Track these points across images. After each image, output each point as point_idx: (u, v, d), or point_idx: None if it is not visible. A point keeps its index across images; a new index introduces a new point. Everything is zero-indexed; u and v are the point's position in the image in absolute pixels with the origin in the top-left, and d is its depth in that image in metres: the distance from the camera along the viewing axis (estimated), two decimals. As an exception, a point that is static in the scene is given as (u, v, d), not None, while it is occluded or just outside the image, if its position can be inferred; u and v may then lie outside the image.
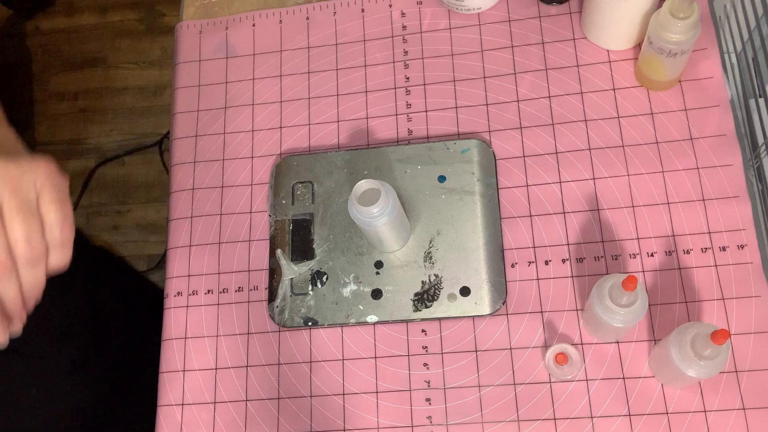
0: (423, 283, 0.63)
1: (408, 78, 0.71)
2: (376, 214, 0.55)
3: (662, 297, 0.60)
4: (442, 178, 0.66)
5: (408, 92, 0.71)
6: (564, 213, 0.64)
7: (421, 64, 0.72)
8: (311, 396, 0.62)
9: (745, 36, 0.70)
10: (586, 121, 0.67)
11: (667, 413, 0.57)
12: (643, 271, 0.61)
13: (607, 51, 0.68)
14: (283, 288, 0.65)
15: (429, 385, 0.61)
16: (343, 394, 0.62)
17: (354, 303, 0.63)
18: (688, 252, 0.61)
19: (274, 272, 0.66)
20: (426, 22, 0.73)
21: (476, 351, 0.62)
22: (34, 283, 0.44)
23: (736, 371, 0.58)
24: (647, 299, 0.53)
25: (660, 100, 0.66)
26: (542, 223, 0.64)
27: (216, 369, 0.64)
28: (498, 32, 0.71)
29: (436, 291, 0.63)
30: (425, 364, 0.62)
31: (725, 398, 0.57)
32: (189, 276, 0.68)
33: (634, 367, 0.59)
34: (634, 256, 0.62)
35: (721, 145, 0.64)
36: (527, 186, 0.65)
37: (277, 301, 0.65)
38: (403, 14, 0.74)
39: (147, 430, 0.65)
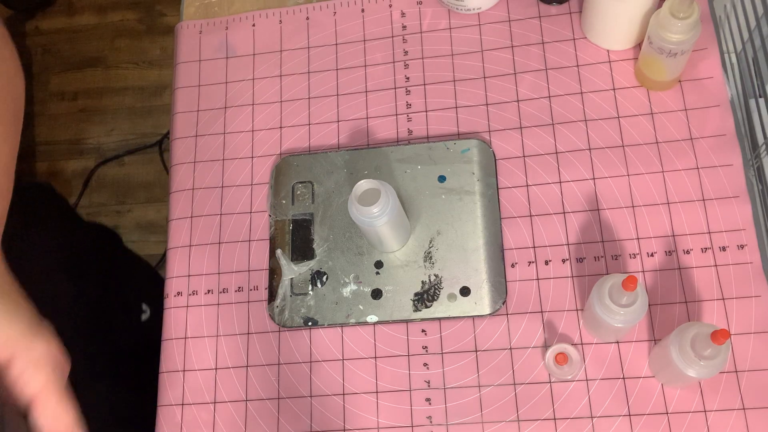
0: (423, 283, 0.63)
1: (408, 78, 0.71)
2: (376, 214, 0.55)
3: (662, 297, 0.60)
4: (442, 178, 0.66)
5: (408, 92, 0.71)
6: (564, 213, 0.64)
7: (421, 64, 0.72)
8: (311, 396, 0.62)
9: (745, 36, 0.70)
10: (586, 121, 0.67)
11: (667, 413, 0.57)
12: (643, 271, 0.61)
13: (607, 51, 0.68)
14: (283, 288, 0.65)
15: (429, 385, 0.61)
16: (343, 394, 0.62)
17: (354, 303, 0.63)
18: (688, 252, 0.61)
19: (274, 272, 0.66)
20: (426, 22, 0.73)
21: (476, 351, 0.62)
22: None
23: (736, 371, 0.58)
24: (647, 299, 0.53)
25: (660, 100, 0.66)
26: (542, 223, 0.64)
27: (216, 369, 0.64)
28: (498, 32, 0.71)
29: (436, 291, 0.63)
30: (425, 364, 0.62)
31: (725, 398, 0.57)
32: (189, 276, 0.68)
33: (634, 367, 0.59)
34: (634, 256, 0.62)
35: (721, 145, 0.64)
36: (527, 186, 0.65)
37: (277, 301, 0.65)
38: (403, 14, 0.74)
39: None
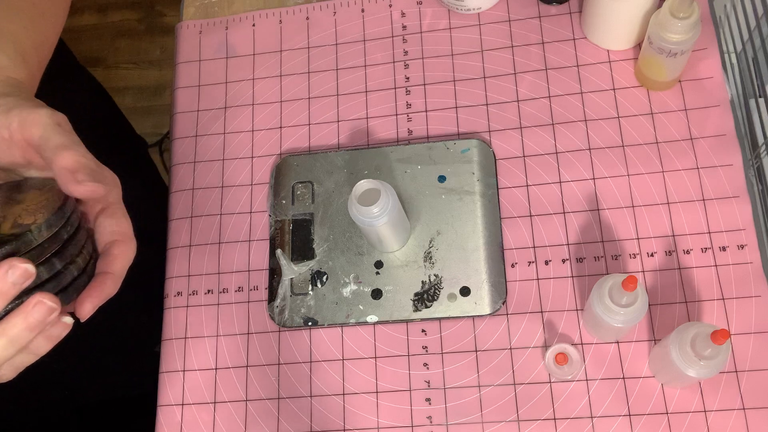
0: (423, 283, 0.63)
1: (408, 78, 0.71)
2: (376, 214, 0.55)
3: (662, 297, 0.60)
4: (442, 178, 0.66)
5: (408, 92, 0.71)
6: (564, 213, 0.64)
7: (421, 64, 0.72)
8: (311, 396, 0.62)
9: (745, 36, 0.70)
10: (586, 121, 0.67)
11: (667, 413, 0.57)
12: (643, 271, 0.61)
13: (607, 51, 0.68)
14: (283, 288, 0.65)
15: (429, 385, 0.61)
16: (343, 394, 0.62)
17: (354, 303, 0.63)
18: (688, 252, 0.61)
19: (274, 272, 0.66)
20: (426, 22, 0.73)
21: (476, 351, 0.62)
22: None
23: (736, 371, 0.58)
24: (647, 299, 0.53)
25: (660, 100, 0.66)
26: (542, 223, 0.64)
27: (216, 369, 0.64)
28: (498, 32, 0.71)
29: (436, 291, 0.63)
30: (425, 364, 0.62)
31: (725, 398, 0.57)
32: (189, 276, 0.68)
33: (634, 367, 0.59)
34: (634, 256, 0.62)
35: (721, 145, 0.64)
36: (527, 186, 0.65)
37: (277, 301, 0.65)
38: (403, 14, 0.74)
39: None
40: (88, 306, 0.41)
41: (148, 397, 0.70)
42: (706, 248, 0.61)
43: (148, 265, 0.76)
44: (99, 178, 0.41)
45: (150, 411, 0.66)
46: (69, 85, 0.75)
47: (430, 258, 0.64)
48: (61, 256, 0.41)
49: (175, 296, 0.67)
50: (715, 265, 0.60)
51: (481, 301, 0.62)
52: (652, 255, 0.61)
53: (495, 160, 0.67)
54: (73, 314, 0.41)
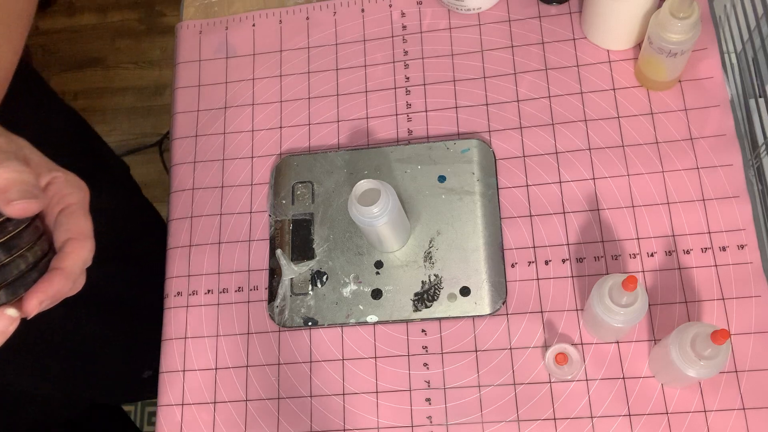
0: (423, 283, 0.63)
1: (408, 78, 0.71)
2: (376, 214, 0.55)
3: (662, 297, 0.60)
4: (442, 178, 0.66)
5: (408, 92, 0.71)
6: (564, 213, 0.64)
7: (421, 64, 0.72)
8: (311, 396, 0.62)
9: (745, 36, 0.70)
10: (586, 121, 0.67)
11: (667, 413, 0.57)
12: (643, 271, 0.61)
13: (607, 51, 0.68)
14: (283, 288, 0.65)
15: (429, 385, 0.61)
16: (343, 394, 0.62)
17: (354, 303, 0.63)
18: (688, 252, 0.61)
19: (274, 272, 0.66)
20: (426, 22, 0.73)
21: (476, 351, 0.62)
22: None
23: (736, 371, 0.58)
24: (647, 299, 0.53)
25: (660, 100, 0.66)
26: (542, 223, 0.64)
27: (216, 369, 0.64)
28: (498, 32, 0.71)
29: (436, 291, 0.63)
30: (425, 364, 0.62)
31: (725, 398, 0.57)
32: (189, 276, 0.68)
33: (634, 367, 0.59)
34: (634, 256, 0.62)
35: (721, 145, 0.64)
36: (527, 186, 0.65)
37: (277, 301, 0.65)
38: (403, 14, 0.74)
39: None
40: (34, 301, 0.40)
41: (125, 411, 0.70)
42: (706, 248, 0.61)
43: (129, 280, 0.75)
44: (35, 193, 0.40)
45: (130, 423, 0.66)
46: (42, 113, 0.75)
47: (430, 258, 0.64)
48: (6, 247, 0.39)
49: (175, 296, 0.67)
50: (715, 265, 0.60)
51: (481, 301, 0.62)
52: (652, 255, 0.61)
53: (495, 160, 0.67)
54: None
